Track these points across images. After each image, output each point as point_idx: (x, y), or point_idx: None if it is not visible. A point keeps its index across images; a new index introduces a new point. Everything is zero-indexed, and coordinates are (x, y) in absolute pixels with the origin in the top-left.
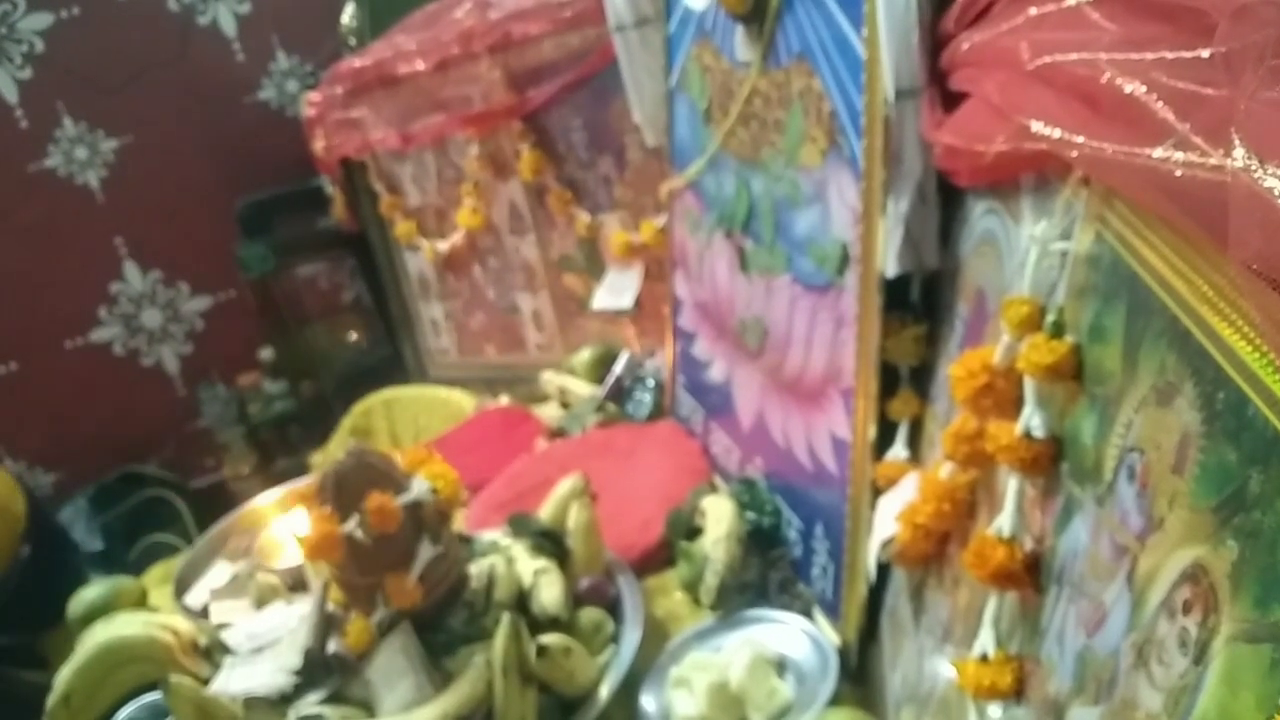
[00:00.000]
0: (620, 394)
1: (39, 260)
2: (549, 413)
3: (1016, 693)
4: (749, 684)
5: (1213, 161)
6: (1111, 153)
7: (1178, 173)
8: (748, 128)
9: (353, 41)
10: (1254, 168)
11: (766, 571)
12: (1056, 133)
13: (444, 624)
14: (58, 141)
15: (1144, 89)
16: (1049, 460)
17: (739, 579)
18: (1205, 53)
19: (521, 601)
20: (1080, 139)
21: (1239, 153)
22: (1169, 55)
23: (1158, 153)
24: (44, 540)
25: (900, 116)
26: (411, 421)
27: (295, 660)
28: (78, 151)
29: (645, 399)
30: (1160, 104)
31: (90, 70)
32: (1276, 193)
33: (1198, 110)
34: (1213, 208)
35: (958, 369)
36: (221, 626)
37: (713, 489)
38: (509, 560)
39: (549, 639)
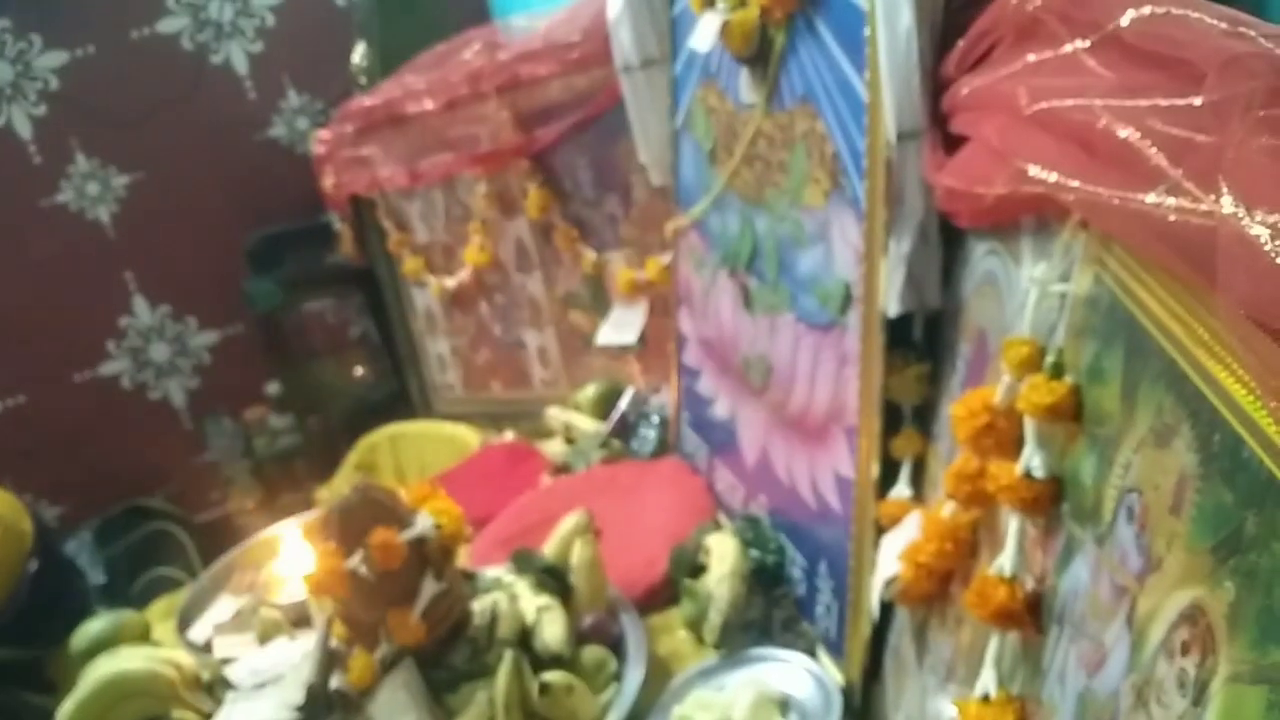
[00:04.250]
0: (625, 430)
1: (49, 294)
2: (554, 449)
3: None
4: None
5: (1204, 207)
6: (1106, 197)
7: (1170, 218)
8: (752, 168)
9: (363, 80)
10: (1241, 215)
11: (770, 610)
12: (1053, 176)
13: (447, 661)
14: (70, 177)
15: (1138, 135)
16: (1049, 500)
17: (743, 617)
18: (1198, 100)
19: (524, 639)
20: (1076, 183)
21: (1227, 199)
22: (1163, 102)
23: (1150, 198)
24: (51, 558)
25: (902, 158)
26: (417, 457)
27: (298, 696)
28: (89, 187)
29: (650, 435)
30: (1154, 150)
31: (104, 107)
32: (1263, 239)
33: (1190, 156)
34: (1205, 252)
35: (959, 408)
36: (225, 661)
37: (717, 526)
38: (512, 597)
39: (551, 676)
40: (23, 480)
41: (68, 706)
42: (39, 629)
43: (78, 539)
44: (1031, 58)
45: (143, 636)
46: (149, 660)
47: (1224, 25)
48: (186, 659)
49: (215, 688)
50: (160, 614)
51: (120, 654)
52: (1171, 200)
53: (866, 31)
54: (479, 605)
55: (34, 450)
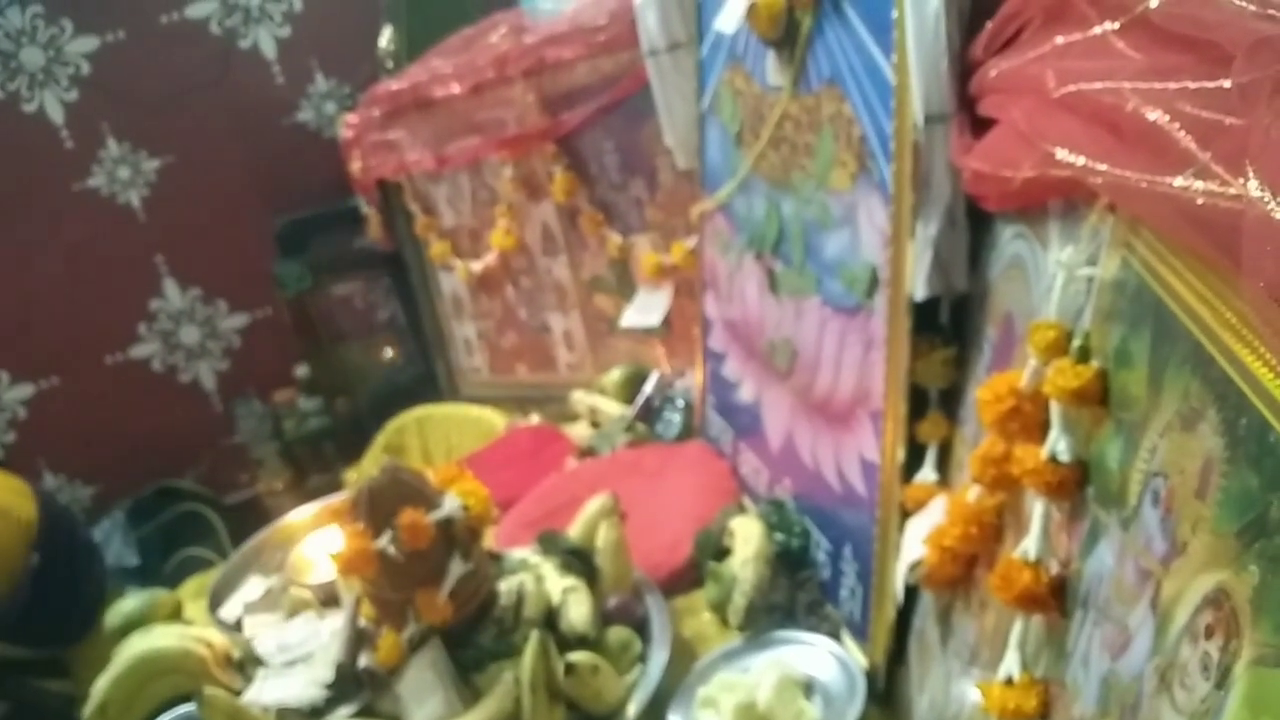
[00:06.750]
0: (650, 414)
1: (81, 277)
2: (579, 432)
3: (1041, 716)
4: (776, 705)
5: (1232, 190)
6: (1134, 180)
7: (1198, 201)
8: (778, 151)
9: (390, 65)
10: (1268, 198)
11: (794, 593)
12: (1081, 160)
13: (473, 640)
14: (101, 161)
15: (1166, 118)
16: (1075, 484)
17: (767, 600)
18: (1227, 83)
19: (550, 619)
20: (1104, 166)
21: (1254, 183)
22: (1191, 85)
23: (1179, 181)
24: (59, 550)
25: (929, 141)
26: (443, 439)
27: (327, 674)
28: (120, 171)
29: (674, 419)
30: (1182, 133)
31: (134, 92)
32: None
33: (1218, 139)
34: (1232, 235)
35: (985, 392)
36: (255, 640)
37: (741, 510)
38: (538, 578)
39: (577, 657)
40: (55, 461)
41: (102, 684)
42: (52, 625)
43: (111, 519)
44: (1060, 40)
45: (174, 615)
46: (181, 638)
47: (1253, 7)
48: (218, 637)
49: (246, 665)
50: (191, 593)
51: (153, 632)
52: (1199, 184)
53: (894, 14)
54: (505, 586)
55: (66, 431)
